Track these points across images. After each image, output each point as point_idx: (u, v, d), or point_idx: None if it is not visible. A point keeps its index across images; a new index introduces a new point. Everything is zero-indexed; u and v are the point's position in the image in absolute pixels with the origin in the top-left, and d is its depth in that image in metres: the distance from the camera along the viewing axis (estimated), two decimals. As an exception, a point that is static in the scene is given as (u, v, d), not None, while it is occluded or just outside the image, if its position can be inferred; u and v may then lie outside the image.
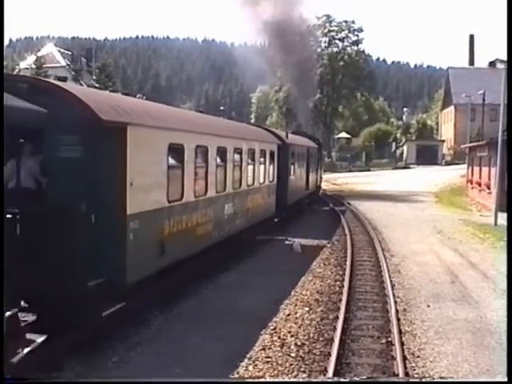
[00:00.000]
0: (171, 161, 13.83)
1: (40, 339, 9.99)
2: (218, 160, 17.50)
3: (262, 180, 23.38)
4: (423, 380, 7.38)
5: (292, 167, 29.45)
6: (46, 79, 13.52)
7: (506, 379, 4.31)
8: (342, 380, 6.80)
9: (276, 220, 26.79)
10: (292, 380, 8.77)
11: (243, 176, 20.32)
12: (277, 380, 9.29)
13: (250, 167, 21.42)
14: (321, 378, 10.07)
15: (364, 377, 9.90)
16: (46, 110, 10.37)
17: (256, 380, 8.88)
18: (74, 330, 10.45)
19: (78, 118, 10.78)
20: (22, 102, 9.92)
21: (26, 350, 9.56)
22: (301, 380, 8.43)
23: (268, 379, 9.86)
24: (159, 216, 13.21)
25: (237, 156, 19.59)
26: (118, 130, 11.25)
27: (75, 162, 10.92)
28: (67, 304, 10.18)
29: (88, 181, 10.89)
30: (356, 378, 7.92)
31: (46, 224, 10.05)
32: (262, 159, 23.20)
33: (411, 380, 8.18)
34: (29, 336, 9.91)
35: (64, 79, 12.86)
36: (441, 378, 10.25)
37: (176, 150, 14.10)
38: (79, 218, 10.27)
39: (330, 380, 7.74)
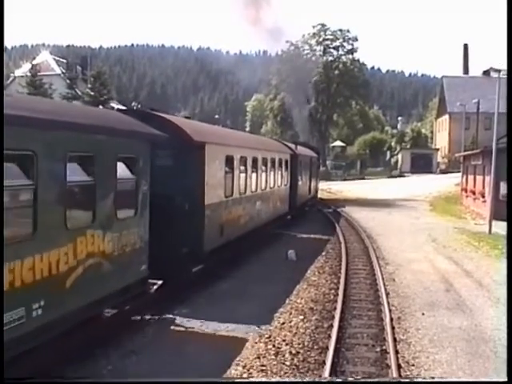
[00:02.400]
0: (226, 167, 18.82)
1: (160, 282, 15.00)
2: (252, 167, 22.35)
3: (279, 183, 28.15)
4: (423, 380, 7.37)
5: (299, 174, 33.86)
6: (159, 113, 16.98)
7: (506, 379, 4.31)
8: (341, 380, 6.79)
9: (289, 217, 31.90)
10: (292, 380, 8.75)
11: (268, 180, 25.28)
12: (277, 380, 9.27)
13: (272, 173, 26.27)
14: (320, 379, 10.05)
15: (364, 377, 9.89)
16: (167, 135, 13.99)
17: (256, 380, 8.88)
18: (177, 278, 15.55)
19: (178, 139, 15.03)
20: (155, 130, 13.63)
21: (155, 287, 14.74)
22: (301, 380, 8.41)
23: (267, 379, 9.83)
24: (220, 207, 18.24)
25: (263, 164, 24.45)
26: (201, 147, 16.36)
27: (175, 168, 15.51)
28: (173, 262, 14.89)
29: (181, 181, 15.52)
30: (356, 379, 7.88)
31: (162, 212, 13.85)
32: (279, 167, 28.12)
33: (410, 380, 8.16)
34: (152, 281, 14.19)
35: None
36: (441, 378, 10.27)
37: (229, 160, 19.15)
38: (177, 207, 15.16)
39: (329, 380, 7.73)
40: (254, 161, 22.62)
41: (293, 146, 33.59)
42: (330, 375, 10.50)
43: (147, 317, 13.60)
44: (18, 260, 8.76)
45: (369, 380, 6.43)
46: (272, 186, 26.20)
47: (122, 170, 12.03)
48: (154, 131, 13.54)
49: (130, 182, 12.53)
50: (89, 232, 10.73)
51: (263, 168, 24.36)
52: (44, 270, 9.36)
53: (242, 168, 20.98)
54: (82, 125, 10.57)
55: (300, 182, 34.10)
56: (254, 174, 22.62)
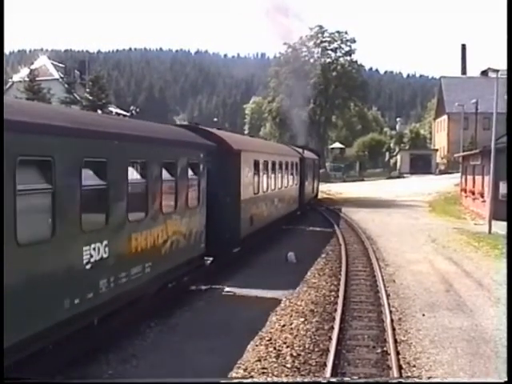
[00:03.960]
0: (254, 170, 22.97)
1: (211, 258, 18.04)
2: (272, 169, 26.65)
3: (291, 183, 32.32)
4: (423, 380, 7.37)
5: (306, 175, 37.86)
6: (205, 128, 21.10)
7: (506, 379, 4.31)
8: (341, 380, 6.79)
9: (298, 213, 35.77)
10: (291, 380, 8.75)
11: (283, 180, 29.56)
12: (276, 380, 9.28)
13: (287, 174, 30.58)
14: (320, 379, 10.05)
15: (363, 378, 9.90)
16: (215, 144, 18.16)
17: (255, 380, 8.88)
18: (222, 257, 19.04)
19: (221, 147, 18.90)
20: (205, 140, 17.78)
21: (208, 261, 17.94)
22: (300, 380, 8.40)
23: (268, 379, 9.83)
24: (250, 202, 22.30)
25: (280, 167, 28.67)
26: (238, 154, 20.57)
27: (219, 171, 18.83)
28: (219, 245, 18.30)
29: (224, 180, 19.40)
30: (355, 379, 7.88)
31: (211, 205, 17.81)
32: (292, 169, 32.43)
33: (410, 380, 8.16)
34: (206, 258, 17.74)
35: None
36: (441, 378, 10.27)
37: (256, 164, 23.34)
38: (221, 201, 19.03)
39: (329, 380, 7.73)
40: (273, 164, 27.10)
41: (300, 150, 37.97)
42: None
43: (203, 287, 17.23)
44: (138, 233, 12.70)
45: (368, 380, 6.43)
46: (286, 185, 30.54)
47: (190, 171, 16.22)
48: (207, 142, 17.79)
49: (195, 181, 16.61)
50: (173, 216, 14.88)
51: (280, 170, 28.75)
52: (151, 241, 13.33)
53: (265, 170, 25.26)
54: (171, 140, 15.47)
55: (306, 183, 38.08)
56: (273, 175, 27.05)
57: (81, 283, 10.48)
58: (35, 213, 9.69)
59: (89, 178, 10.83)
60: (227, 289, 17.41)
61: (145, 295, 13.35)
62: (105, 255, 11.10)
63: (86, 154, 10.71)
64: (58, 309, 9.80)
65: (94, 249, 10.76)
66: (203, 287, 17.25)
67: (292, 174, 32.42)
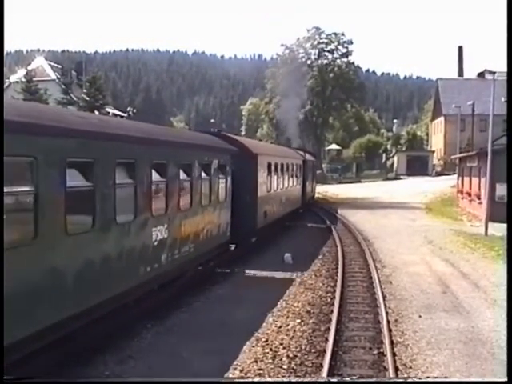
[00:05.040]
0: (267, 171, 26.12)
1: (233, 246, 21.99)
2: (281, 171, 29.89)
3: (295, 183, 35.51)
4: (423, 380, 7.36)
5: (307, 176, 41.08)
6: (228, 134, 25.85)
7: (505, 379, 4.30)
8: (341, 380, 6.78)
9: (301, 211, 38.81)
10: (291, 380, 8.74)
11: (290, 180, 32.99)
12: (276, 380, 9.27)
13: (292, 175, 34.09)
14: (320, 379, 10.05)
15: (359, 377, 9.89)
16: (237, 149, 21.69)
17: (255, 380, 8.87)
18: (242, 245, 22.88)
19: (242, 151, 22.16)
20: (230, 145, 21.47)
21: (232, 247, 21.92)
22: (300, 380, 8.40)
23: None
24: (264, 199, 25.42)
25: (287, 169, 32.15)
26: (255, 157, 23.77)
27: (239, 171, 21.65)
28: (240, 234, 21.84)
29: (244, 180, 22.32)
30: (355, 379, 7.86)
31: (234, 200, 21.30)
32: (296, 170, 35.94)
33: (410, 380, 8.15)
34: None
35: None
36: (443, 377, 10.26)
37: (269, 166, 26.59)
38: (242, 197, 22.09)
39: (329, 380, 7.73)
40: (282, 166, 30.25)
41: (302, 152, 41.56)
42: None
43: (227, 270, 20.36)
44: (186, 220, 15.97)
45: (367, 380, 6.42)
46: (292, 185, 34.02)
47: (220, 172, 19.49)
48: (232, 147, 21.42)
49: (224, 179, 20.06)
50: (209, 208, 18.33)
51: (287, 171, 32.19)
52: (193, 228, 16.70)
53: (276, 171, 28.40)
54: (207, 146, 18.79)
55: (307, 182, 41.13)
56: (281, 176, 30.27)
57: (150, 256, 13.58)
58: (126, 201, 12.60)
59: (156, 176, 14.12)
60: (247, 271, 20.71)
61: (188, 270, 16.81)
62: (165, 236, 14.35)
63: (173, 158, 15.20)
64: (137, 274, 12.94)
65: (159, 230, 14.03)
66: (227, 270, 20.48)
67: (297, 175, 35.97)
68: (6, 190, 8.53)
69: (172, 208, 14.87)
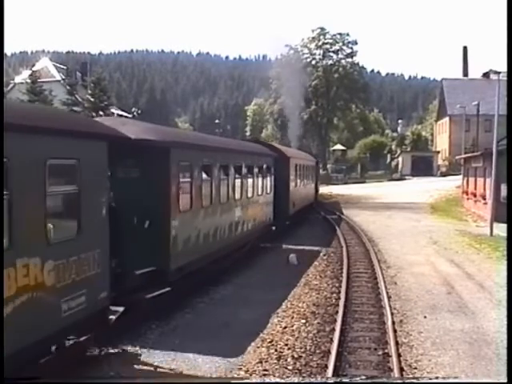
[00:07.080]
0: (294, 170, 32.01)
1: (274, 227, 27.49)
2: (301, 170, 35.35)
3: (311, 181, 41.44)
4: (422, 380, 7.35)
5: (317, 176, 48.12)
6: (269, 142, 38.16)
7: (506, 380, 4.30)
8: (341, 380, 6.77)
9: (313, 206, 43.64)
10: (291, 380, 8.73)
11: (306, 179, 38.14)
12: (275, 380, 9.26)
13: (309, 175, 40.09)
14: (320, 379, 10.04)
15: (364, 377, 9.86)
16: (276, 153, 28.06)
17: (254, 380, 8.86)
18: (281, 226, 28.38)
19: (279, 155, 28.24)
20: (270, 151, 27.71)
21: (273, 228, 27.46)
22: (300, 380, 8.39)
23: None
24: (293, 192, 31.23)
25: (306, 169, 38.32)
26: (288, 159, 29.95)
27: (276, 171, 27.41)
28: (278, 218, 27.70)
29: (281, 177, 28.13)
30: (356, 379, 7.84)
31: (274, 194, 27.68)
32: (311, 171, 42.29)
33: (410, 380, 8.14)
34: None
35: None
36: (443, 378, 10.24)
37: (295, 166, 32.48)
38: (279, 191, 28.08)
39: (329, 380, 7.71)
40: (302, 167, 35.84)
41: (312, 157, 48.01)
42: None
43: (268, 244, 25.90)
44: (250, 204, 22.58)
45: (370, 380, 6.40)
46: (309, 182, 40.05)
47: (267, 171, 25.78)
48: (273, 152, 27.70)
49: (269, 177, 26.42)
50: (261, 197, 24.98)
51: (306, 171, 38.23)
52: (253, 210, 23.16)
53: (300, 171, 34.52)
54: (261, 153, 25.62)
55: (318, 182, 48.67)
56: (303, 175, 36.03)
57: (232, 229, 19.97)
58: (225, 188, 19.16)
59: (236, 174, 20.52)
60: (284, 245, 26.44)
61: (250, 241, 22.81)
62: (239, 215, 20.89)
63: (243, 162, 21.75)
64: (230, 236, 19.78)
65: (237, 211, 20.62)
66: (269, 245, 25.97)
67: (312, 174, 42.30)
68: None
69: (243, 196, 21.50)
